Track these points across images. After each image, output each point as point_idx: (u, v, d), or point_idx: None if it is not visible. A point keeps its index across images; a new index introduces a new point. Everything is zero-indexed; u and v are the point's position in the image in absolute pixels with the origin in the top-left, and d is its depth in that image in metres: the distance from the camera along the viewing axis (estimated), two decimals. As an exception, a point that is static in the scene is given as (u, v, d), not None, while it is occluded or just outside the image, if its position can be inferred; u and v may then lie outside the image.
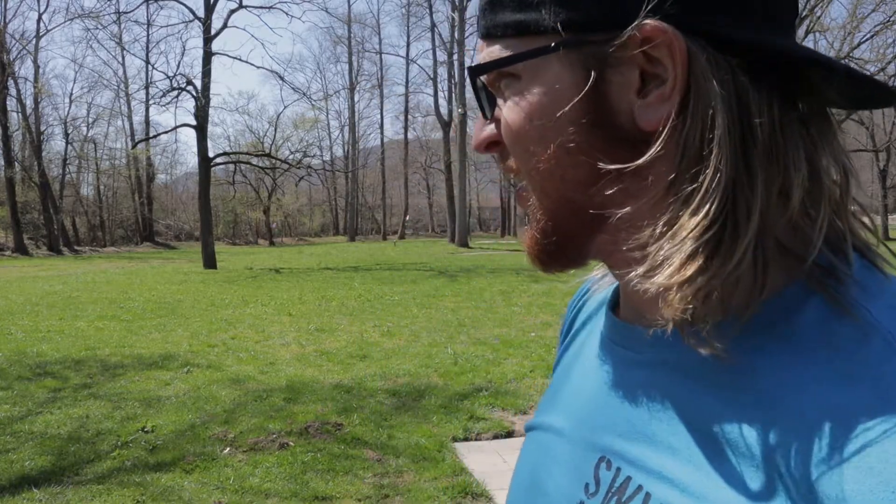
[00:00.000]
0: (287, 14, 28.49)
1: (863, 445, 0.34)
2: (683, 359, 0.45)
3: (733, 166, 0.40)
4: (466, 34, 32.79)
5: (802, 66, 0.41)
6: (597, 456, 0.50)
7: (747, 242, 0.40)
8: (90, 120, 46.08)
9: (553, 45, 0.44)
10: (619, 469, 0.47)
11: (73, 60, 66.12)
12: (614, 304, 0.57)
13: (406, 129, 56.62)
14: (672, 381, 0.46)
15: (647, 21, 0.41)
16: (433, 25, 45.64)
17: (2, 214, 33.28)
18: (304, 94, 26.65)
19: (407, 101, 56.11)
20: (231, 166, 36.10)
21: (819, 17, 21.93)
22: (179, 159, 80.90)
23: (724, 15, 0.41)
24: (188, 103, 53.95)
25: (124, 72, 47.19)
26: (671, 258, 0.41)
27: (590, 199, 0.46)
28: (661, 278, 0.41)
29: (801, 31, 21.95)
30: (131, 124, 48.29)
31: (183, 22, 37.27)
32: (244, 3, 22.08)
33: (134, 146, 39.93)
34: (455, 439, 4.43)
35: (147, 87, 35.92)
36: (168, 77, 21.37)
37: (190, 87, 20.42)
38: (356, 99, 55.55)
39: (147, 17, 42.77)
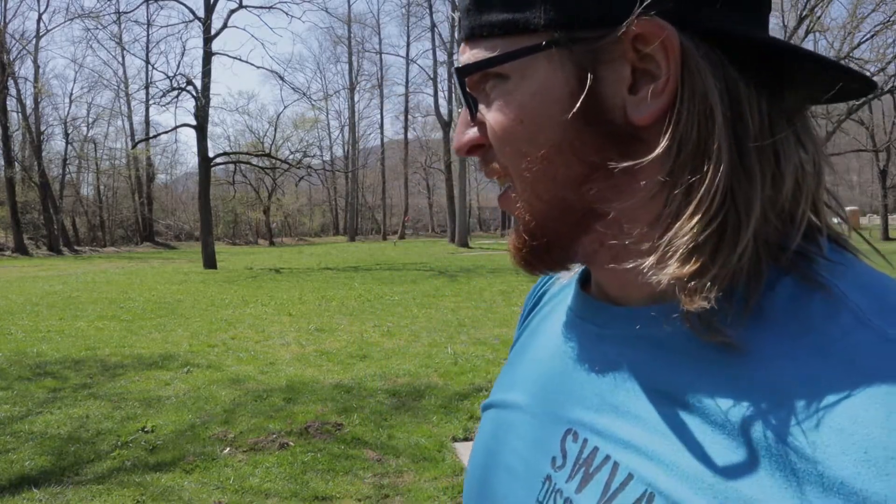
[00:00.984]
0: (287, 14, 28.48)
1: (833, 410, 0.35)
2: (656, 334, 0.46)
3: (731, 159, 0.41)
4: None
5: (786, 59, 0.42)
6: (563, 429, 0.51)
7: (750, 233, 0.41)
8: (90, 120, 46.17)
9: (544, 43, 0.44)
10: (585, 440, 0.48)
11: (73, 60, 66.17)
12: (583, 284, 0.58)
13: (406, 129, 56.67)
14: (643, 355, 0.47)
15: (642, 17, 0.41)
16: (433, 25, 45.68)
17: (2, 214, 33.29)
18: (304, 94, 26.60)
19: (407, 101, 56.17)
20: (231, 166, 36.12)
21: (819, 17, 21.94)
22: (179, 159, 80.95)
23: (710, 8, 0.42)
24: (188, 103, 54.06)
25: (124, 72, 47.29)
26: (679, 250, 0.41)
27: (581, 197, 0.46)
28: (672, 269, 0.41)
29: (801, 31, 21.95)
30: (131, 124, 48.36)
31: (183, 22, 37.24)
32: (244, 3, 22.09)
33: (134, 146, 39.94)
34: (455, 439, 4.42)
35: (147, 87, 35.94)
36: (168, 77, 21.36)
37: (190, 87, 20.43)
38: (356, 99, 55.65)
39: (147, 17, 42.96)
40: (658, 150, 0.42)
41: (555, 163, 0.46)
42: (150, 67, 44.38)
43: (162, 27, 52.81)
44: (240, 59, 26.99)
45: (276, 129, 42.21)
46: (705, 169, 0.41)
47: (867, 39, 22.07)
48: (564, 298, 0.61)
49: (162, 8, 63.52)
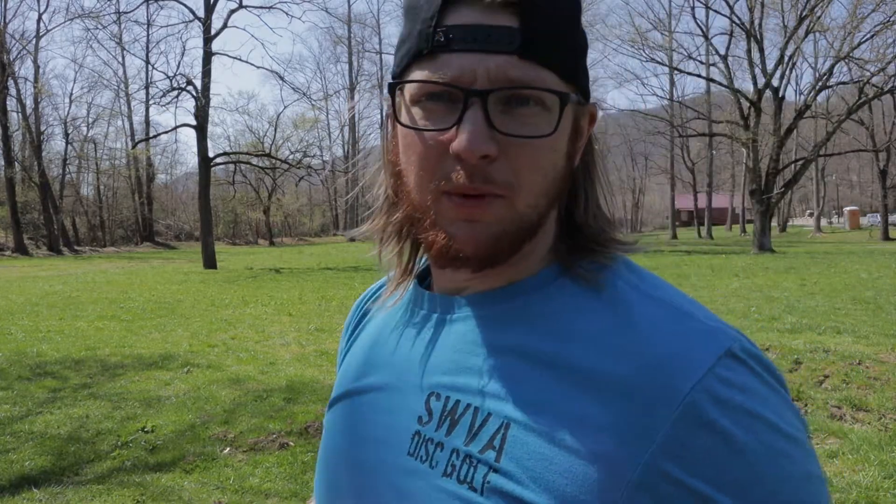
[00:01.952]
0: (287, 14, 28.40)
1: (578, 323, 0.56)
2: (491, 312, 0.60)
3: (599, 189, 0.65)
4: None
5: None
6: (426, 393, 0.61)
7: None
8: (90, 120, 46.10)
9: (580, 101, 0.59)
10: (448, 397, 0.59)
11: (73, 60, 66.26)
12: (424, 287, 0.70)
13: (406, 129, 56.45)
14: (483, 327, 0.60)
15: (593, 102, 0.62)
16: (433, 25, 45.52)
17: (2, 214, 33.29)
18: (304, 94, 26.53)
19: (407, 101, 55.95)
20: (231, 166, 36.05)
21: (819, 17, 21.93)
22: (179, 159, 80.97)
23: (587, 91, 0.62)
24: (188, 103, 53.96)
25: (124, 72, 47.20)
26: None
27: (548, 212, 0.59)
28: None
29: (801, 31, 21.96)
30: (131, 124, 48.29)
31: (183, 22, 37.27)
32: (244, 3, 22.07)
33: (134, 146, 39.90)
34: (455, 439, 4.43)
35: (147, 87, 35.96)
36: (168, 77, 21.37)
37: (190, 87, 20.42)
38: (356, 99, 55.58)
39: (147, 17, 42.68)
40: (567, 186, 0.61)
41: (553, 186, 0.58)
42: (150, 67, 44.31)
43: (162, 27, 52.87)
44: (240, 59, 27.04)
45: (276, 129, 42.15)
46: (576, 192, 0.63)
47: (867, 39, 22.03)
48: (394, 307, 0.72)
49: (162, 8, 63.41)
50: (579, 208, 0.63)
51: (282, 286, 14.42)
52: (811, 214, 57.43)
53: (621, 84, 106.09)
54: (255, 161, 26.49)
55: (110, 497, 3.56)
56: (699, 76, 28.18)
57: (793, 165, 24.94)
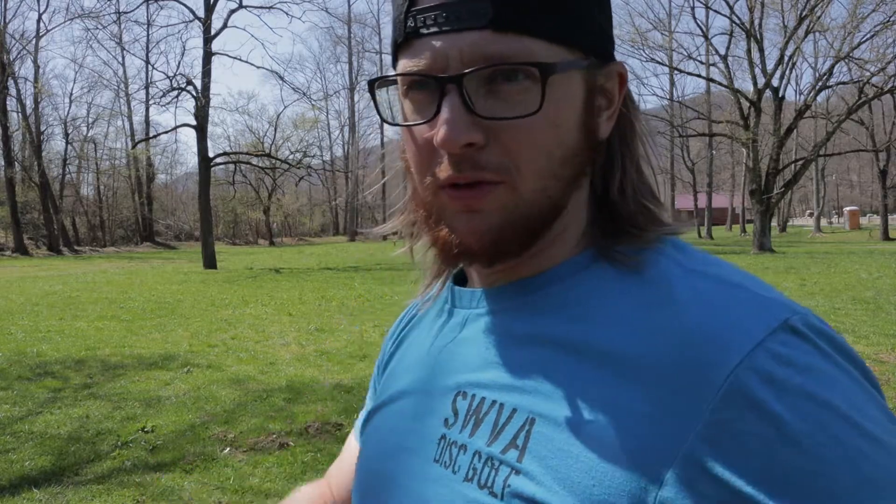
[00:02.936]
0: (287, 14, 28.52)
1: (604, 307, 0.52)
2: (519, 304, 0.56)
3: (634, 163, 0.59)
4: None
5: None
6: (453, 393, 0.57)
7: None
8: (90, 120, 46.06)
9: (587, 64, 0.53)
10: (473, 395, 0.55)
11: (73, 60, 66.22)
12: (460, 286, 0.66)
13: (406, 129, 56.49)
14: (510, 319, 0.56)
15: (619, 61, 0.56)
16: (433, 25, 45.55)
17: (2, 214, 33.28)
18: (304, 94, 26.52)
19: (407, 101, 56.00)
20: (231, 166, 36.06)
21: (819, 17, 21.92)
22: (179, 159, 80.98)
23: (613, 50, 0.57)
24: (188, 103, 53.93)
25: (124, 72, 47.18)
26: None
27: (564, 196, 0.54)
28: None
29: (801, 31, 21.95)
30: (131, 124, 48.26)
31: (183, 22, 37.35)
32: (244, 3, 22.08)
33: (134, 146, 39.89)
34: (455, 439, 4.43)
35: (147, 87, 35.99)
36: (168, 77, 21.38)
37: (190, 87, 20.43)
38: (356, 99, 55.63)
39: (147, 17, 42.69)
40: (600, 162, 0.57)
41: (565, 165, 0.52)
42: (150, 67, 44.34)
43: (162, 27, 52.84)
44: (240, 59, 27.04)
45: (276, 129, 42.19)
46: (615, 171, 0.57)
47: (867, 39, 22.03)
48: (429, 308, 0.69)
49: (162, 8, 63.37)
50: (614, 186, 0.56)
51: (282, 286, 14.42)
52: (811, 214, 57.37)
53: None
54: (255, 161, 26.50)
55: (110, 497, 3.56)
56: (699, 76, 28.15)
57: (793, 165, 24.92)
